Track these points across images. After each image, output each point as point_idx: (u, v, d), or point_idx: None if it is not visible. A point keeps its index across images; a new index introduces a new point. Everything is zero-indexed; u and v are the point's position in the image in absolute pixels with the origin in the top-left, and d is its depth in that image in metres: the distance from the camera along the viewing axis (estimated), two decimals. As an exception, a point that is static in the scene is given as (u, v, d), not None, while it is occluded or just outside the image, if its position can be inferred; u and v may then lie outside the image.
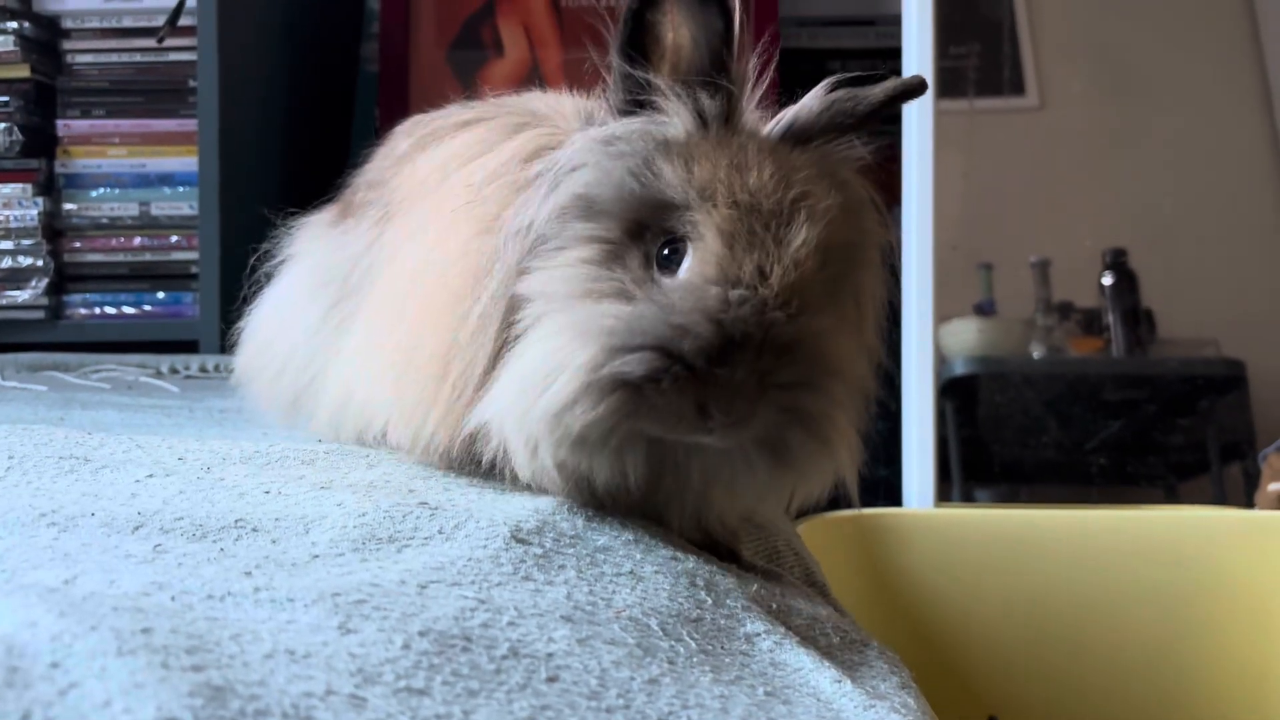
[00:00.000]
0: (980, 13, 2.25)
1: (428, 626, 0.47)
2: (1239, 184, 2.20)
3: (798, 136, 0.67)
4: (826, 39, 1.90)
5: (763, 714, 0.51)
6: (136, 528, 0.58)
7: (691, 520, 0.69)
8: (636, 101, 0.65)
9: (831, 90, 0.69)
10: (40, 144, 1.69)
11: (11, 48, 1.65)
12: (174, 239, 1.67)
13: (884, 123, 0.73)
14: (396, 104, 1.79)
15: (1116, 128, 2.21)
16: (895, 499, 1.44)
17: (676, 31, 0.64)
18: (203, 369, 1.47)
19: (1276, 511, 1.44)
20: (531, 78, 1.80)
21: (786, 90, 1.98)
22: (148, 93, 1.67)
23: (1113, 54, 2.21)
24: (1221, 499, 2.07)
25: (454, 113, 0.82)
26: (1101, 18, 2.22)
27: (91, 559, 0.52)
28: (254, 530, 0.59)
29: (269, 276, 0.90)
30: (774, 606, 0.65)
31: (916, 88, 0.72)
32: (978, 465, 2.17)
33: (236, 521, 0.59)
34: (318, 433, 0.82)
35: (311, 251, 0.87)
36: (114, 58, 1.68)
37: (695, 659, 0.55)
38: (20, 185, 1.66)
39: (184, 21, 1.65)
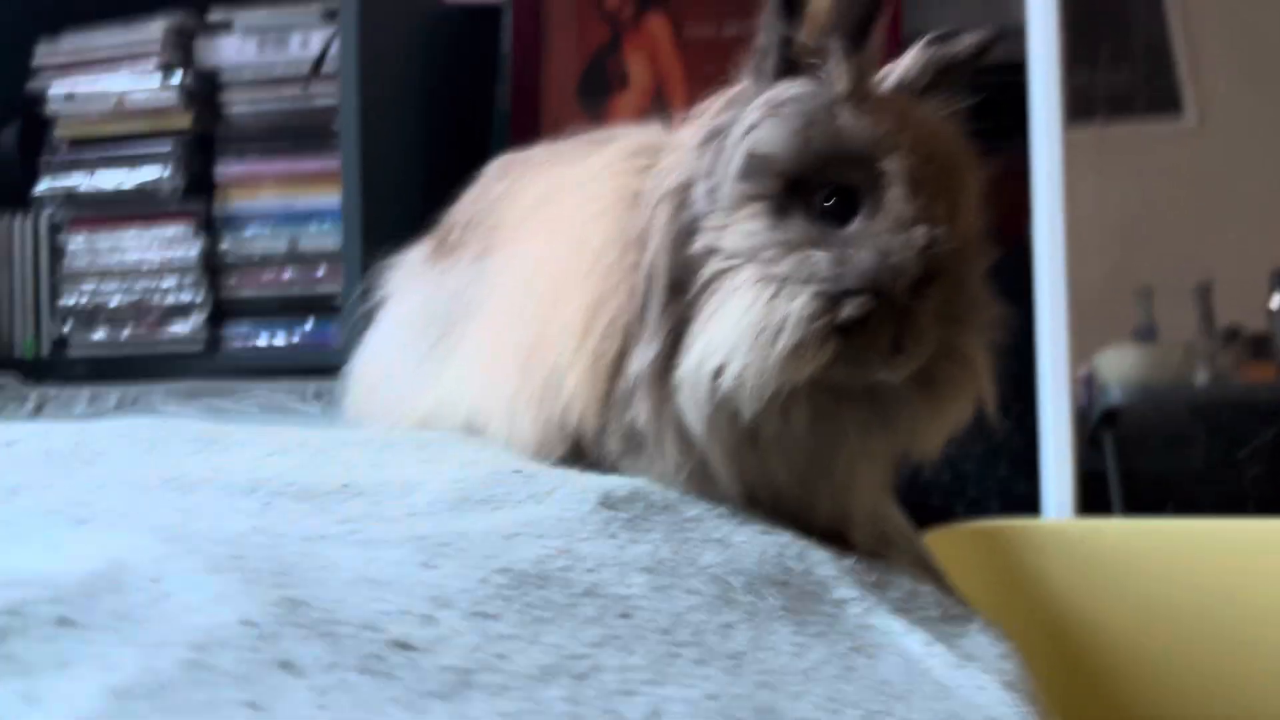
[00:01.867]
0: (1136, 34, 2.19)
1: (507, 566, 0.49)
2: None
3: (908, 91, 0.70)
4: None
5: (841, 663, 0.51)
6: (251, 491, 0.61)
7: (842, 487, 0.70)
8: (790, 65, 0.67)
9: (924, 50, 0.71)
10: (200, 187, 1.81)
11: (175, 100, 1.78)
12: (320, 272, 1.76)
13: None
14: (527, 140, 1.84)
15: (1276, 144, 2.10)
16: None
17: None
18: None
19: None
20: (656, 108, 1.84)
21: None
22: (295, 136, 1.77)
23: (1272, 68, 2.11)
24: None
25: (542, 150, 0.85)
26: (1264, 32, 2.13)
27: (204, 510, 0.56)
28: (358, 494, 0.61)
29: (369, 317, 0.93)
30: (872, 579, 0.65)
31: (990, 40, 0.73)
32: (1137, 497, 2.08)
33: (343, 486, 0.62)
34: None
35: (410, 290, 0.90)
36: (266, 106, 1.79)
37: (776, 614, 0.55)
38: (183, 226, 1.78)
39: (328, 69, 1.75)
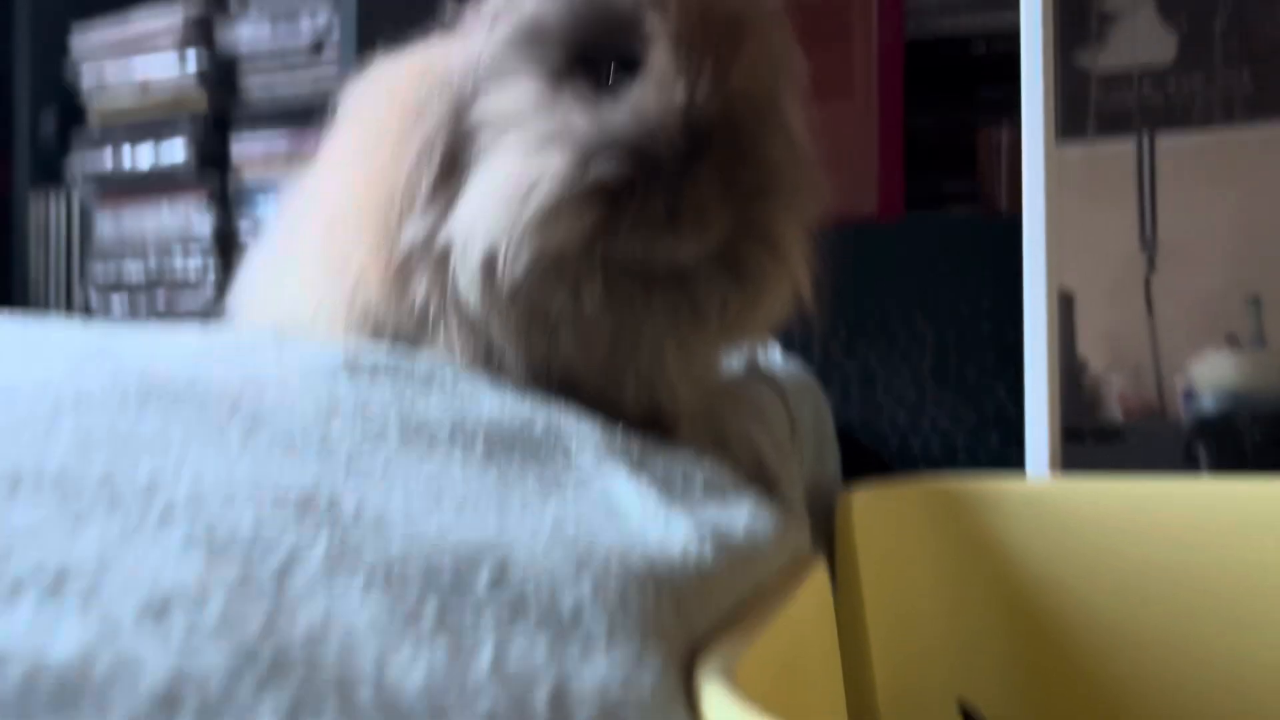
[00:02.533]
0: (1257, 35, 2.09)
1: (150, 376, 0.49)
2: None
3: None
4: (967, 22, 1.83)
5: (487, 477, 0.49)
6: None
7: (647, 376, 0.67)
8: None
9: None
10: (215, 163, 1.88)
11: (193, 82, 1.85)
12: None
13: None
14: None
15: None
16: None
17: None
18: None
19: None
20: None
21: (919, 84, 1.89)
22: (303, 113, 1.82)
23: None
24: None
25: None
26: None
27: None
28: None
29: None
30: (634, 453, 0.62)
31: None
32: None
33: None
34: None
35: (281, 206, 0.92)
36: (278, 84, 1.84)
37: (476, 456, 0.53)
38: (197, 201, 1.85)
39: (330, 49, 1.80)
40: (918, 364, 1.55)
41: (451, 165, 0.65)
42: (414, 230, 0.65)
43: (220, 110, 1.87)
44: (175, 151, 1.85)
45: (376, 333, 0.71)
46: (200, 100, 1.85)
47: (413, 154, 0.66)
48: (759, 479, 0.77)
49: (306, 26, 1.82)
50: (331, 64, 1.80)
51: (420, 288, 0.67)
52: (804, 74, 0.72)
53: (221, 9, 1.88)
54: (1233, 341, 2.13)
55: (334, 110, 0.77)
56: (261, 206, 1.84)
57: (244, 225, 1.85)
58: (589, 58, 0.63)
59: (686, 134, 0.60)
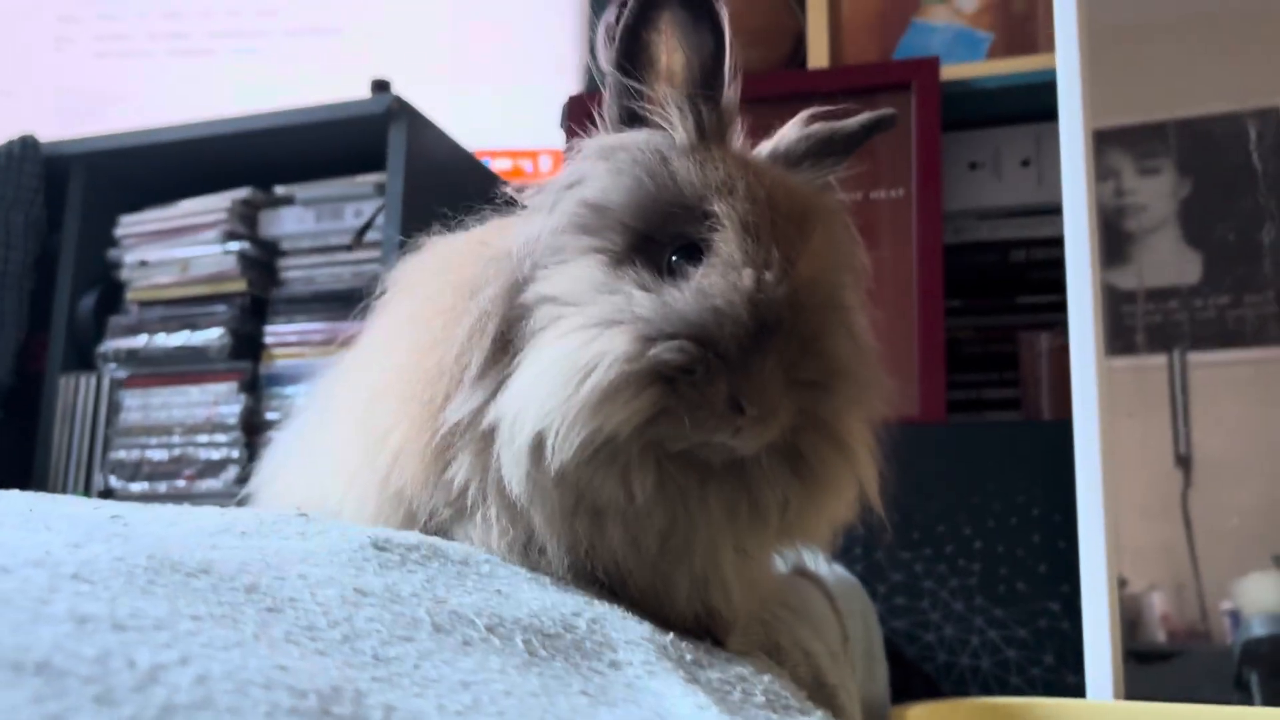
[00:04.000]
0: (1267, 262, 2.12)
1: (170, 557, 0.44)
2: None
3: (782, 160, 0.68)
4: (1009, 230, 1.84)
5: (548, 692, 0.43)
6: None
7: (701, 577, 0.62)
8: (632, 115, 0.65)
9: (809, 123, 0.69)
10: (248, 347, 1.87)
11: (233, 265, 1.87)
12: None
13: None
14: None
15: None
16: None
17: (670, 55, 0.64)
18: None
19: None
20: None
21: (967, 285, 1.90)
22: (340, 300, 1.82)
23: None
24: None
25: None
26: None
27: None
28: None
29: None
30: (689, 657, 0.56)
31: (888, 120, 0.71)
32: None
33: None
34: None
35: (315, 392, 0.88)
36: (318, 272, 1.85)
37: (516, 658, 0.47)
38: (228, 384, 1.83)
39: (372, 236, 1.81)
40: (965, 575, 1.47)
41: (504, 343, 0.61)
42: (460, 407, 0.61)
43: (259, 294, 1.88)
44: (211, 334, 1.85)
45: (409, 518, 0.66)
46: (239, 283, 1.86)
47: (465, 329, 0.62)
48: (817, 692, 0.70)
49: (350, 217, 1.84)
50: (372, 254, 1.81)
51: (461, 468, 0.62)
52: (867, 270, 0.69)
53: (269, 199, 1.92)
54: (1278, 563, 2.04)
55: (378, 292, 0.75)
56: (291, 390, 1.82)
57: (270, 407, 1.83)
58: (652, 240, 0.61)
59: (753, 319, 0.57)
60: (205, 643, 0.36)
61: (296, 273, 1.86)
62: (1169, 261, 1.75)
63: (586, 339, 0.57)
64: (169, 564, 0.43)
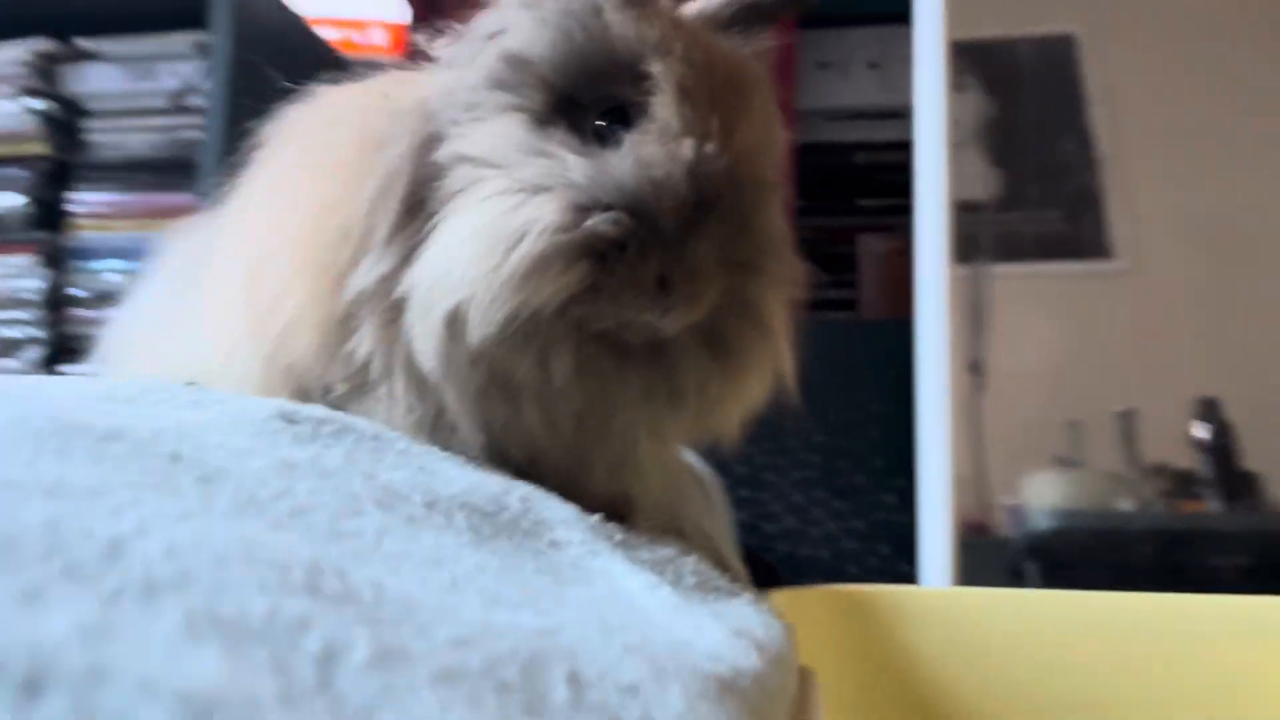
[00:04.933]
0: (1066, 175, 2.21)
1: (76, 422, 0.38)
2: None
3: (710, 25, 0.62)
4: (851, 132, 1.85)
5: (516, 566, 0.40)
6: None
7: (619, 459, 0.59)
8: None
9: None
10: (50, 217, 1.70)
11: (32, 125, 1.69)
12: (169, 311, 1.64)
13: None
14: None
15: (1208, 288, 2.11)
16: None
17: None
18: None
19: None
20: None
21: (811, 185, 1.90)
22: (157, 168, 1.68)
23: (1201, 215, 2.13)
24: None
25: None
26: (1188, 180, 2.16)
27: None
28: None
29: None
30: (618, 538, 0.54)
31: None
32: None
33: None
34: None
35: (171, 247, 0.79)
36: (129, 137, 1.70)
37: (464, 535, 0.44)
38: (27, 257, 1.67)
39: (196, 101, 1.67)
40: (806, 468, 1.50)
41: (415, 205, 0.56)
42: (366, 275, 0.56)
43: (62, 158, 1.71)
44: (9, 200, 1.67)
45: (300, 393, 0.60)
46: (39, 146, 1.69)
47: (372, 188, 0.56)
48: (716, 563, 0.69)
49: (165, 78, 1.69)
50: (192, 120, 1.67)
51: (364, 341, 0.57)
52: (784, 147, 0.67)
53: (71, 53, 1.73)
54: (1059, 463, 2.21)
55: (252, 147, 0.67)
56: (99, 265, 1.68)
57: (75, 283, 1.68)
58: (575, 101, 0.56)
59: (692, 193, 0.54)
60: (154, 512, 0.31)
61: (105, 136, 1.70)
62: (973, 176, 1.81)
63: (513, 204, 0.53)
64: (76, 427, 0.37)
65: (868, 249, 1.85)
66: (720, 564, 0.70)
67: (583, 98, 0.56)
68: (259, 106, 0.66)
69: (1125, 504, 2.08)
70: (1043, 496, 2.05)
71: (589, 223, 0.52)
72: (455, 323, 0.53)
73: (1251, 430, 1.98)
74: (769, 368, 0.61)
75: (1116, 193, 2.17)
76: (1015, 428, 1.95)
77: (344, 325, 0.58)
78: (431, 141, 0.57)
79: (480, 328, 0.53)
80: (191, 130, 1.66)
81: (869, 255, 1.84)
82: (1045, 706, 1.16)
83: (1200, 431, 2.05)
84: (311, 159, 0.62)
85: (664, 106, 0.55)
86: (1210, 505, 2.06)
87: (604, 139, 0.56)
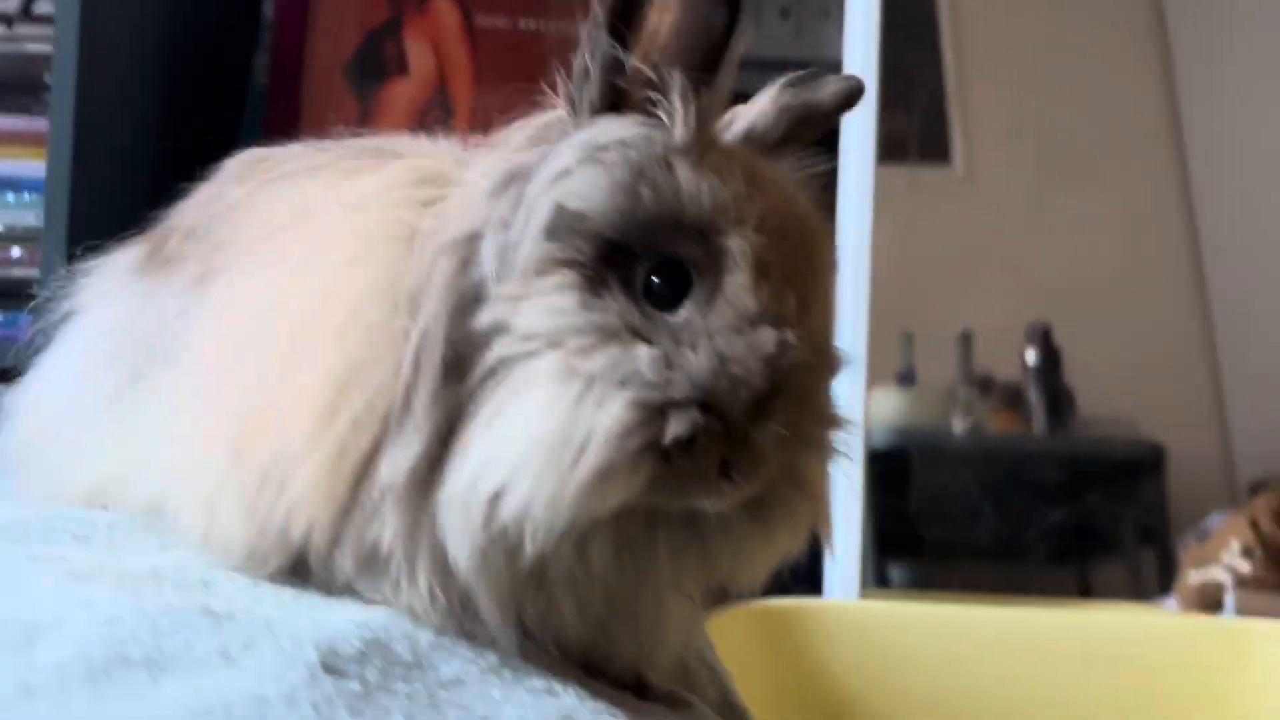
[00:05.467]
0: (911, 81, 2.19)
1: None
2: (1157, 266, 2.17)
3: (759, 145, 0.58)
4: (761, 82, 1.79)
5: None
6: None
7: (648, 638, 0.56)
8: (617, 96, 0.54)
9: (781, 94, 0.59)
10: None
11: None
12: (14, 252, 1.47)
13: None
14: (286, 120, 1.62)
15: (1042, 201, 2.16)
16: (817, 586, 1.29)
17: (663, 16, 0.52)
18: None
19: (1232, 618, 1.33)
20: (437, 102, 1.65)
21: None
22: (-1, 87, 1.48)
23: (1038, 128, 2.17)
24: (1136, 582, 2.00)
25: (300, 154, 0.67)
26: (1027, 92, 2.19)
27: None
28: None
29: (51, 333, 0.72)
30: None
31: (858, 89, 0.62)
32: (890, 539, 2.08)
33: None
34: None
35: (105, 306, 0.70)
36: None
37: None
38: None
39: (44, 10, 1.47)
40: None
41: (452, 378, 0.51)
42: (397, 465, 0.50)
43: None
44: None
45: (298, 568, 0.54)
46: None
47: (404, 362, 0.51)
48: (726, 712, 0.67)
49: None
50: (41, 30, 1.47)
51: (387, 529, 0.51)
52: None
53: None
54: (904, 380, 2.28)
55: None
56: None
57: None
58: (626, 251, 0.51)
59: (767, 385, 0.50)
60: None
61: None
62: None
63: (575, 398, 0.49)
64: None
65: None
66: (724, 701, 0.67)
67: (636, 249, 0.52)
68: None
69: (959, 422, 2.17)
70: (880, 413, 2.12)
71: (661, 426, 0.49)
72: (504, 527, 0.49)
73: (1076, 348, 2.06)
74: (808, 529, 0.58)
75: (958, 99, 2.20)
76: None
77: (361, 508, 0.52)
78: (472, 300, 0.51)
79: (538, 539, 0.49)
80: (39, 44, 1.47)
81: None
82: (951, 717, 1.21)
83: (1030, 357, 2.15)
84: (325, 284, 0.54)
85: (740, 288, 0.51)
86: (1035, 427, 2.18)
87: (660, 298, 0.52)
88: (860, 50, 1.44)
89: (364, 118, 1.63)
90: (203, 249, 0.64)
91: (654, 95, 0.53)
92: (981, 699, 1.20)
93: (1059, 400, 2.13)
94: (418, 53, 1.65)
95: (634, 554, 0.53)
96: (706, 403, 0.49)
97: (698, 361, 0.50)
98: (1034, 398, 2.13)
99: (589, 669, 0.55)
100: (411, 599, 0.52)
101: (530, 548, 0.49)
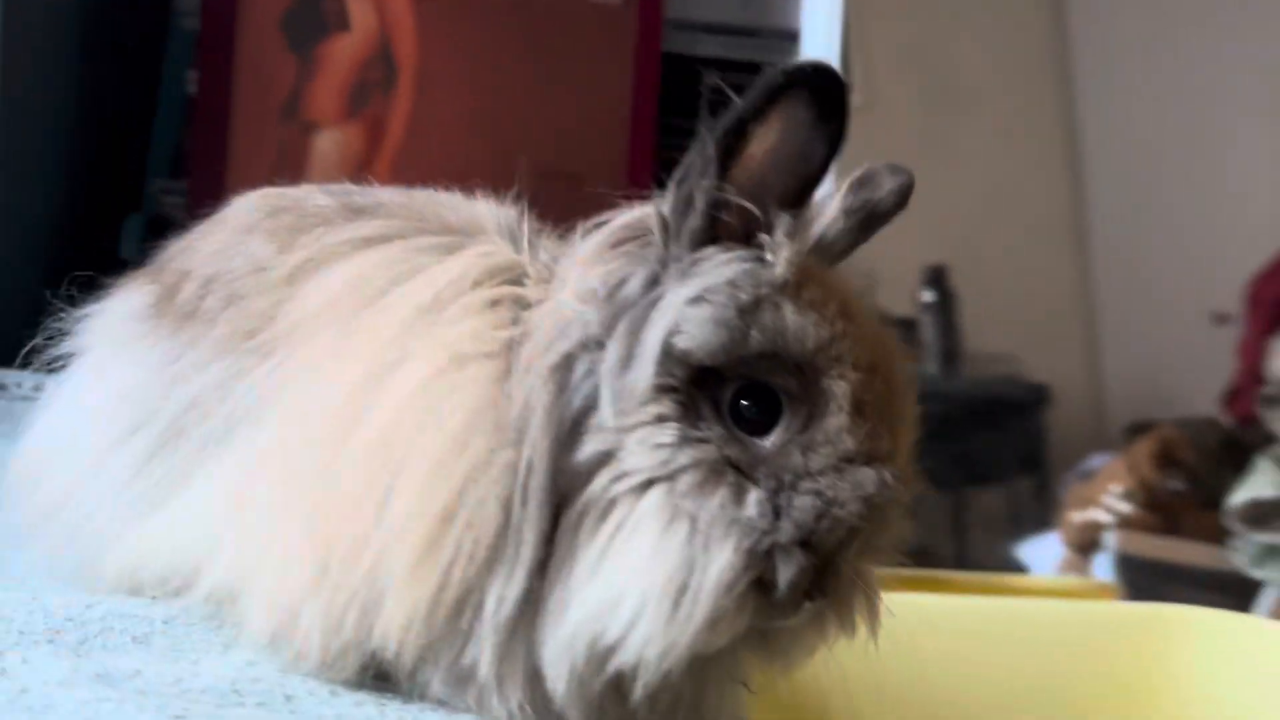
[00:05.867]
0: None
1: None
2: (1042, 208, 2.22)
3: (828, 254, 0.58)
4: (707, 47, 1.77)
5: None
6: None
7: (710, 713, 0.59)
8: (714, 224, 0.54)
9: (846, 198, 0.59)
10: None
11: None
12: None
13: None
14: (218, 69, 1.53)
15: (934, 135, 2.18)
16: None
17: (763, 150, 0.53)
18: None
19: (1144, 604, 1.40)
20: (380, 60, 1.58)
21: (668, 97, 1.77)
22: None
23: (931, 59, 2.18)
24: (1014, 510, 2.10)
25: (333, 214, 0.65)
26: (920, 22, 2.19)
27: None
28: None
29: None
30: None
31: (910, 185, 0.62)
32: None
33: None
34: None
35: (122, 362, 0.67)
36: None
37: None
38: None
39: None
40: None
41: (552, 513, 0.52)
42: (502, 598, 0.51)
43: None
44: None
45: (380, 673, 0.55)
46: None
47: (508, 495, 0.51)
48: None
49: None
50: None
51: (484, 656, 0.52)
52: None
53: None
54: None
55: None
56: None
57: None
58: (715, 373, 0.53)
59: (863, 521, 0.53)
60: None
61: None
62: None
63: (684, 542, 0.51)
64: None
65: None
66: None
67: (726, 373, 0.53)
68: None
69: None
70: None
71: (768, 569, 0.51)
72: (615, 672, 0.52)
73: (968, 289, 2.08)
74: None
75: (857, 24, 2.20)
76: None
77: (456, 633, 0.53)
78: (571, 430, 0.52)
79: (648, 676, 0.51)
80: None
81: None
82: (891, 708, 1.25)
83: (927, 296, 2.20)
84: (415, 402, 0.53)
85: (841, 429, 0.53)
86: (929, 366, 2.26)
87: (750, 423, 0.53)
88: (824, 21, 1.44)
89: (302, 74, 1.56)
90: (237, 314, 0.62)
91: (753, 229, 0.53)
92: (903, 683, 1.24)
93: (951, 339, 2.20)
94: (360, 9, 1.58)
95: (712, 663, 0.55)
96: (807, 543, 0.51)
97: (801, 504, 0.51)
98: (927, 335, 2.20)
99: None
100: (499, 712, 0.54)
101: (640, 691, 0.51)
